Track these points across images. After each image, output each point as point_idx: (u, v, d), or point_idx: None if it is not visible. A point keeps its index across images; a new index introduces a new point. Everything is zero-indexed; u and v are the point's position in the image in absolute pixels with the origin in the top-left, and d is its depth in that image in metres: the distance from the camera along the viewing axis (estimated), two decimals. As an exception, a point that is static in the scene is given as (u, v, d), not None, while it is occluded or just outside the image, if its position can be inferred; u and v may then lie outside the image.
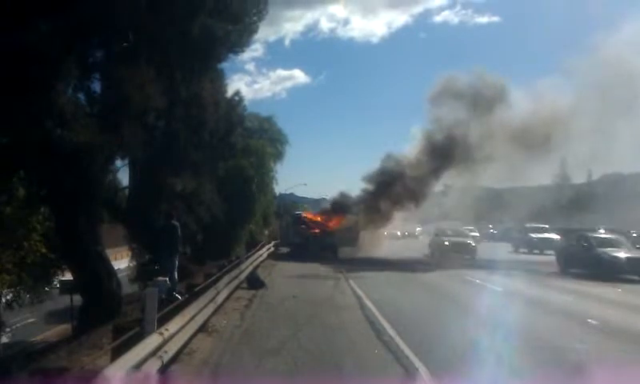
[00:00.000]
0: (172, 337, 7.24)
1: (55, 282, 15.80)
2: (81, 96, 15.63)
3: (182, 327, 8.01)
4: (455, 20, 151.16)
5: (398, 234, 52.19)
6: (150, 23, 14.92)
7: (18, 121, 12.25)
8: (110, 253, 18.69)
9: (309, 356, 8.48)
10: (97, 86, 16.09)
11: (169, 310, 8.09)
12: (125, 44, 15.63)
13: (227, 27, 18.94)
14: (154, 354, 6.32)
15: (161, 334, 6.79)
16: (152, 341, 6.44)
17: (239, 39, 20.96)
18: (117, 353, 5.75)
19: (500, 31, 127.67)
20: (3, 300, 14.15)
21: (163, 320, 7.38)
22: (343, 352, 8.80)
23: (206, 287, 11.37)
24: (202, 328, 9.84)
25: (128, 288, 19.88)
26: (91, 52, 15.62)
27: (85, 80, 15.38)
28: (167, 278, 11.66)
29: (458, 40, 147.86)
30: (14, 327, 16.90)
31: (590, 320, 11.79)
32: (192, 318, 8.84)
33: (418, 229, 59.73)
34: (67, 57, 12.82)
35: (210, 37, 17.67)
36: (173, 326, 7.46)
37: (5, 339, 15.51)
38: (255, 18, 21.47)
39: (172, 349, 7.15)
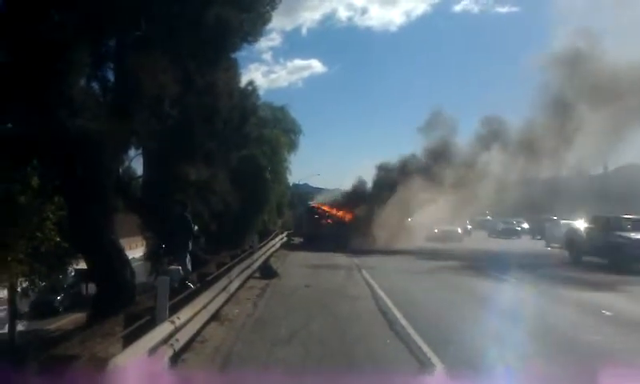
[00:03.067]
0: (184, 325, 7.23)
1: (70, 271, 15.90)
2: (94, 85, 15.74)
3: (194, 316, 8.00)
4: (475, 9, 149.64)
5: (436, 231, 37.08)
6: (163, 12, 14.90)
7: (31, 110, 12.31)
8: (124, 242, 18.81)
9: (320, 345, 8.43)
10: (110, 75, 16.19)
11: (181, 298, 8.07)
12: (138, 33, 15.64)
13: (241, 16, 18.85)
14: (165, 341, 6.31)
15: (172, 322, 6.78)
16: (163, 329, 6.43)
17: (253, 28, 20.91)
18: (128, 341, 5.74)
19: (520, 22, 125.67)
20: (19, 289, 14.26)
21: (175, 308, 7.36)
22: (355, 341, 8.73)
23: (218, 276, 11.36)
24: (215, 317, 9.83)
25: (142, 277, 20.00)
26: (104, 41, 15.66)
27: (98, 69, 15.48)
28: (180, 267, 11.66)
29: (477, 29, 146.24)
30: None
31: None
32: (204, 307, 8.84)
33: (467, 224, 45.67)
34: (80, 46, 12.84)
35: (223, 26, 17.62)
36: (184, 314, 7.45)
37: (21, 327, 15.67)
38: (268, 7, 21.41)
39: (184, 337, 7.14)
